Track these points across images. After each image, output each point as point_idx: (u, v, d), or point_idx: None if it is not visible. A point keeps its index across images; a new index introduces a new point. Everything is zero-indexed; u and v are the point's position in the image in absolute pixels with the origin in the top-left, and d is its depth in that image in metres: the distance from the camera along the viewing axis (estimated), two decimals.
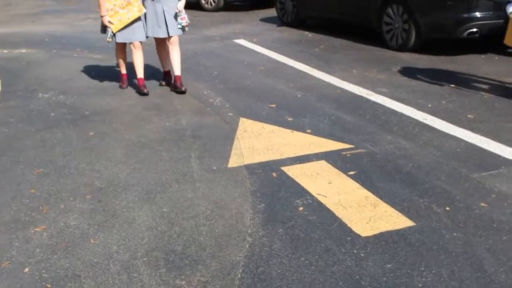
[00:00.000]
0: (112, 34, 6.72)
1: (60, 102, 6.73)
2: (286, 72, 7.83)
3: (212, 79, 7.59)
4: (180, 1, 6.71)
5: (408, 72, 7.61)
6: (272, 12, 13.06)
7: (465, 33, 8.25)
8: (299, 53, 9.00)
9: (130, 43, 6.90)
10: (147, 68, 7.27)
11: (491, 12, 8.14)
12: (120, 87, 7.23)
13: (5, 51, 10.14)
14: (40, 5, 18.46)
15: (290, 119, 5.81)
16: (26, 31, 12.64)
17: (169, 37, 6.83)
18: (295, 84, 7.16)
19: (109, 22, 6.67)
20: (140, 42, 6.92)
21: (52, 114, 6.28)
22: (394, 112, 5.94)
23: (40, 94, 7.09)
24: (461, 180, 4.30)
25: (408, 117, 5.79)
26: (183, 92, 6.86)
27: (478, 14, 8.12)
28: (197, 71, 7.99)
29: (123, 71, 7.27)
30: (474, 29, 8.20)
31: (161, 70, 7.44)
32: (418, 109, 6.00)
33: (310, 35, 10.70)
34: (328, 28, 11.00)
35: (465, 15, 8.15)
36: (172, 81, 7.12)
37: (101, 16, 6.72)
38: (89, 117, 6.14)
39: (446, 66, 7.90)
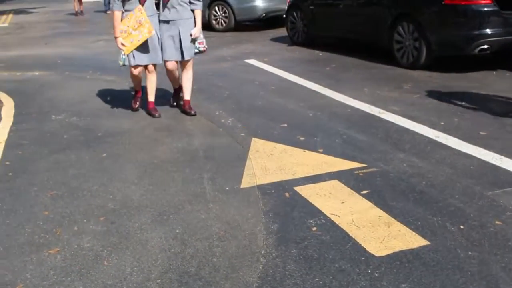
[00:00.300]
0: (124, 57, 6.62)
1: (73, 124, 6.78)
2: (297, 92, 7.85)
3: (224, 99, 7.62)
4: (195, 27, 6.66)
5: (420, 89, 7.60)
6: (282, 32, 13.11)
7: (476, 50, 8.25)
8: (310, 72, 9.02)
9: (145, 66, 6.82)
10: (158, 90, 7.29)
11: (501, 29, 8.15)
12: (131, 108, 7.16)
13: (19, 74, 10.25)
14: (52, 27, 18.66)
15: (302, 138, 5.82)
16: (39, 53, 12.79)
17: (183, 61, 6.78)
18: (306, 104, 7.17)
19: (122, 44, 6.55)
20: (155, 65, 6.87)
21: (65, 136, 6.33)
22: (406, 130, 5.93)
23: (53, 116, 7.15)
24: (475, 198, 4.28)
25: (421, 135, 5.77)
26: (193, 115, 6.85)
27: (488, 30, 8.12)
28: (208, 91, 8.02)
29: (137, 88, 7.19)
30: (485, 46, 8.21)
31: (171, 91, 7.47)
32: (431, 127, 5.98)
33: (320, 54, 10.73)
34: (338, 47, 11.03)
35: (476, 32, 8.16)
36: (181, 103, 7.10)
37: (115, 38, 6.62)
38: (102, 138, 6.18)
39: (457, 83, 7.89)
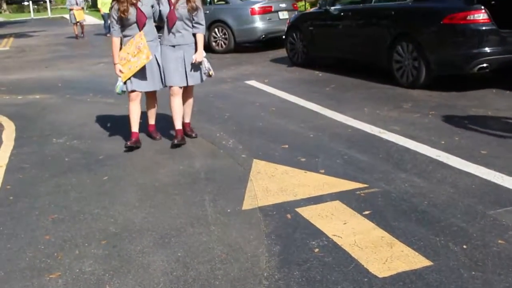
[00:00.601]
0: (121, 84, 6.38)
1: (74, 147, 6.78)
2: (297, 112, 7.87)
3: (225, 121, 7.63)
4: (197, 51, 6.44)
5: (420, 109, 7.61)
6: (282, 53, 13.18)
7: (475, 69, 8.28)
8: (310, 93, 9.04)
9: (145, 92, 6.64)
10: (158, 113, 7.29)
11: (500, 47, 8.19)
12: (125, 145, 6.47)
13: (20, 97, 10.29)
14: (53, 50, 18.78)
15: (303, 159, 5.82)
16: (39, 77, 12.85)
17: (187, 86, 6.60)
18: (307, 124, 7.18)
19: (120, 71, 6.33)
20: (155, 92, 6.67)
21: (66, 159, 6.33)
22: (407, 150, 5.93)
23: (54, 139, 7.16)
24: (477, 217, 4.27)
25: (422, 154, 5.77)
26: (194, 137, 6.80)
27: (487, 49, 8.16)
28: (209, 113, 8.04)
29: (134, 128, 6.62)
30: (484, 65, 8.24)
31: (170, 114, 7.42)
32: (432, 146, 5.98)
33: (320, 74, 10.77)
34: (338, 67, 11.07)
35: (475, 51, 8.19)
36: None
37: (114, 64, 6.40)
38: (103, 161, 6.18)
39: (457, 102, 7.90)
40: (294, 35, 11.94)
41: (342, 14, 10.53)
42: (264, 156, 5.98)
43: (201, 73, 6.54)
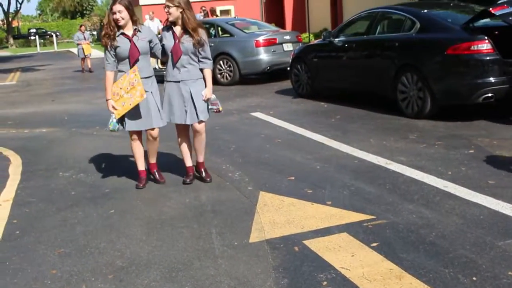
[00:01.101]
0: (114, 121, 6.02)
1: (81, 181, 6.79)
2: (303, 144, 7.87)
3: (231, 153, 7.64)
4: (206, 87, 6.12)
5: (426, 139, 7.61)
6: (287, 84, 13.25)
7: (481, 99, 8.30)
8: (316, 124, 9.06)
9: (146, 130, 6.23)
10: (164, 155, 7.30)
11: (505, 77, 8.21)
12: (137, 186, 6.34)
13: (26, 131, 10.34)
14: (59, 84, 18.95)
15: (309, 191, 5.80)
16: (46, 110, 12.93)
17: (196, 123, 6.17)
18: (313, 156, 7.18)
19: (113, 107, 5.95)
20: (156, 130, 6.20)
21: (72, 193, 6.33)
22: (414, 181, 5.91)
23: (61, 173, 7.17)
24: (486, 248, 4.23)
25: (429, 185, 5.75)
26: (209, 182, 6.36)
27: (492, 79, 8.18)
28: (215, 145, 8.05)
29: (140, 167, 6.45)
30: (489, 94, 8.26)
31: (176, 148, 7.38)
32: (438, 177, 5.97)
33: (326, 105, 10.81)
34: (343, 98, 11.11)
35: (479, 81, 8.22)
36: (194, 167, 6.56)
37: (106, 100, 6.03)
38: (109, 195, 6.18)
39: (463, 131, 7.90)
40: (299, 66, 12.01)
41: (346, 45, 10.60)
42: (270, 188, 5.97)
43: (208, 109, 6.25)
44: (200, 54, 6.07)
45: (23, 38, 64.50)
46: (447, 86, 8.55)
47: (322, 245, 4.46)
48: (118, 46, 5.92)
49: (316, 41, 13.33)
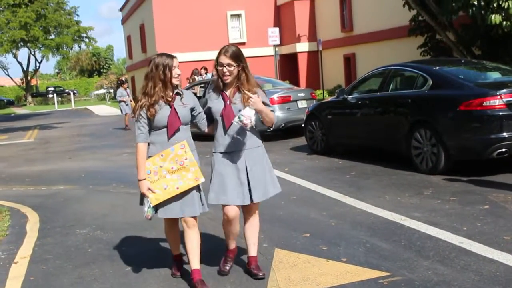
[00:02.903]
0: (151, 207, 4.80)
1: (97, 238, 6.84)
2: (318, 200, 7.90)
3: None
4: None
5: (440, 195, 7.62)
6: (302, 141, 13.34)
7: (494, 154, 8.34)
8: (330, 181, 9.10)
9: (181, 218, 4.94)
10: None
11: None
12: (173, 275, 5.30)
13: (44, 188, 10.46)
14: (76, 141, 19.20)
15: (324, 248, 5.81)
16: (63, 167, 13.09)
17: (250, 204, 5.00)
18: (328, 212, 7.20)
19: (149, 189, 4.76)
20: (195, 217, 4.91)
21: (89, 250, 6.38)
22: (429, 237, 5.90)
23: (78, 230, 7.23)
24: None
25: (444, 241, 5.74)
26: (261, 278, 5.06)
27: (505, 134, 8.24)
28: None
29: (175, 251, 5.33)
30: (503, 149, 8.30)
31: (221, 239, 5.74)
32: (454, 233, 5.96)
33: (340, 162, 10.86)
34: (357, 154, 11.17)
35: (493, 136, 8.27)
36: (246, 262, 5.32)
37: (138, 180, 4.80)
38: (125, 252, 6.21)
39: (477, 187, 7.90)
40: (313, 123, 12.12)
41: (360, 102, 10.72)
42: (285, 245, 5.98)
43: (272, 181, 5.22)
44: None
45: (41, 96, 65.62)
46: (460, 142, 8.60)
47: None
48: (156, 114, 4.77)
49: (330, 98, 13.51)
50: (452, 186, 8.13)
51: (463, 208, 6.91)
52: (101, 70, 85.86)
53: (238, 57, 4.79)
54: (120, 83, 24.17)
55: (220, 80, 4.89)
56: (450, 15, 15.13)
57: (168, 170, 4.74)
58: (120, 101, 22.92)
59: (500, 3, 12.92)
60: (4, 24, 50.37)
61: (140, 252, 6.18)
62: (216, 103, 4.90)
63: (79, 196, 9.51)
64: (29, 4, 31.64)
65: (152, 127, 4.81)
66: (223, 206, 4.89)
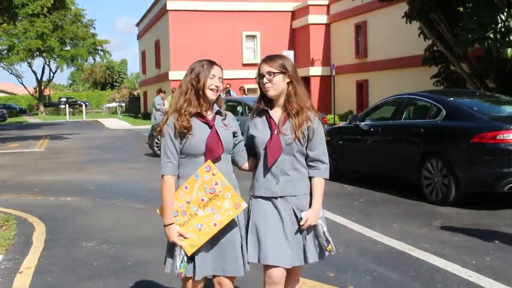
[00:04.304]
0: (185, 260, 3.68)
1: (103, 252, 6.81)
2: (327, 226, 7.83)
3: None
4: (312, 207, 3.77)
5: (450, 227, 7.56)
6: None
7: (506, 188, 8.28)
8: (339, 207, 9.05)
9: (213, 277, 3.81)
10: None
11: None
12: None
13: (51, 199, 10.46)
14: (85, 153, 19.25)
15: (331, 274, 5.76)
16: (72, 179, 13.10)
17: (297, 266, 3.91)
18: (335, 238, 7.06)
19: (180, 236, 3.62)
20: (233, 278, 3.82)
21: (94, 264, 6.35)
22: (438, 269, 5.84)
23: (84, 243, 7.21)
24: None
25: (453, 274, 5.68)
26: None
27: None
28: None
29: None
30: None
31: None
32: (463, 266, 5.90)
33: (349, 188, 10.82)
34: (367, 181, 11.13)
35: (505, 170, 8.22)
36: None
37: (164, 226, 3.68)
38: (130, 268, 6.18)
39: (488, 220, 7.84)
40: None
41: (372, 129, 10.71)
42: None
43: (319, 244, 3.90)
44: (309, 153, 3.82)
45: (53, 106, 66.00)
46: (472, 174, 8.55)
47: None
48: (190, 134, 3.63)
49: (341, 124, 13.49)
50: (462, 218, 8.06)
51: (472, 241, 6.85)
52: (114, 84, 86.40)
53: (282, 64, 3.77)
54: (158, 91, 23.85)
55: (263, 100, 3.87)
56: (466, 47, 15.15)
57: (199, 204, 3.61)
58: (157, 109, 22.46)
59: None
60: (22, 33, 50.97)
61: (146, 268, 6.15)
62: (261, 132, 3.79)
63: (87, 208, 9.50)
64: (47, 15, 31.92)
65: (183, 153, 3.66)
66: (265, 266, 3.79)
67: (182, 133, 3.59)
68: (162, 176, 3.64)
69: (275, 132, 3.73)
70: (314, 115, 3.81)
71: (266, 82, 3.74)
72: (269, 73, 3.73)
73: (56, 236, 7.61)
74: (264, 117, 3.82)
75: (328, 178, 3.83)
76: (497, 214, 8.22)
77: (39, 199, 10.54)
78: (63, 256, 6.67)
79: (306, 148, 3.76)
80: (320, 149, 3.79)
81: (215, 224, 3.59)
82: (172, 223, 3.62)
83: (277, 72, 3.72)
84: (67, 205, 9.79)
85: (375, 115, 11.15)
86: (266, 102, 3.83)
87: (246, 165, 3.90)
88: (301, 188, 3.77)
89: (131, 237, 7.44)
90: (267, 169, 3.76)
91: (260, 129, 3.80)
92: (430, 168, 9.12)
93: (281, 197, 3.74)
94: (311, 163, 3.79)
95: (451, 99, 9.65)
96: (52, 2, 26.49)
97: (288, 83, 3.76)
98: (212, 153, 3.61)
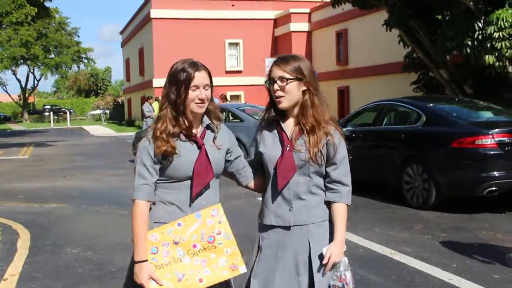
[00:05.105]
0: None
1: (88, 258, 6.84)
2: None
3: (239, 237, 7.67)
4: (333, 241, 3.04)
5: (431, 230, 7.68)
6: None
7: (485, 192, 8.43)
8: None
9: None
10: None
11: (508, 172, 8.37)
12: None
13: (36, 205, 10.46)
14: (70, 160, 19.20)
15: None
16: (56, 186, 13.09)
17: None
18: None
19: (152, 280, 2.94)
20: None
21: (79, 270, 6.38)
22: (419, 272, 5.95)
23: (68, 249, 7.23)
24: None
25: (434, 277, 5.78)
26: None
27: (496, 173, 8.36)
28: None
29: None
30: (493, 188, 8.40)
31: None
32: (443, 269, 6.00)
33: None
34: None
35: (484, 174, 8.38)
36: None
37: (135, 262, 2.98)
38: (115, 274, 6.22)
39: (467, 224, 7.98)
40: None
41: (353, 135, 10.81)
42: None
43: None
44: (328, 174, 3.16)
45: (37, 114, 65.66)
46: (451, 178, 8.70)
47: None
48: (175, 154, 2.96)
49: None
50: (442, 222, 8.19)
51: (452, 244, 6.97)
52: (98, 91, 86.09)
53: (298, 67, 3.07)
54: (146, 98, 23.74)
55: (272, 109, 3.21)
56: (444, 54, 15.35)
57: (188, 249, 2.95)
58: (147, 117, 22.36)
59: (494, 44, 13.14)
60: (6, 41, 50.70)
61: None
62: (270, 148, 3.14)
63: (71, 215, 9.51)
64: (32, 23, 31.84)
65: (164, 175, 2.99)
66: None
67: (162, 151, 2.91)
68: (133, 200, 2.96)
69: (287, 149, 3.06)
70: (334, 129, 3.16)
71: (277, 90, 3.06)
72: (282, 79, 3.05)
73: (40, 243, 7.62)
74: (275, 130, 3.15)
75: (350, 204, 3.14)
76: (477, 218, 8.36)
77: (24, 206, 10.52)
78: (47, 263, 6.69)
79: (325, 167, 3.12)
80: (341, 169, 3.14)
81: (200, 280, 2.93)
82: (146, 261, 2.92)
83: (292, 79, 3.04)
84: (51, 212, 9.79)
85: (357, 121, 11.28)
86: (277, 110, 3.15)
87: (251, 184, 3.26)
88: (317, 216, 3.09)
89: (116, 244, 7.46)
90: (277, 193, 3.10)
91: (269, 145, 3.15)
92: (410, 172, 9.25)
93: (294, 226, 3.07)
94: (329, 185, 3.12)
95: (431, 105, 9.81)
96: (36, 10, 26.41)
97: (304, 91, 3.09)
98: (200, 178, 2.96)
